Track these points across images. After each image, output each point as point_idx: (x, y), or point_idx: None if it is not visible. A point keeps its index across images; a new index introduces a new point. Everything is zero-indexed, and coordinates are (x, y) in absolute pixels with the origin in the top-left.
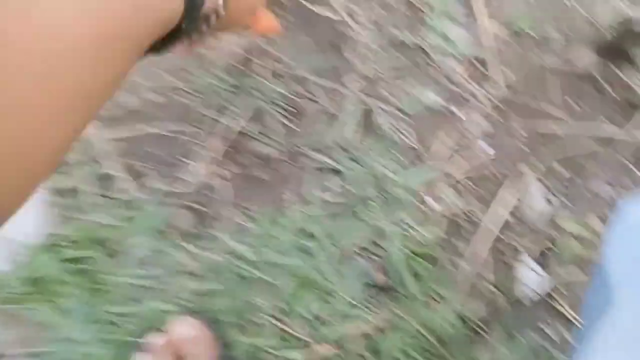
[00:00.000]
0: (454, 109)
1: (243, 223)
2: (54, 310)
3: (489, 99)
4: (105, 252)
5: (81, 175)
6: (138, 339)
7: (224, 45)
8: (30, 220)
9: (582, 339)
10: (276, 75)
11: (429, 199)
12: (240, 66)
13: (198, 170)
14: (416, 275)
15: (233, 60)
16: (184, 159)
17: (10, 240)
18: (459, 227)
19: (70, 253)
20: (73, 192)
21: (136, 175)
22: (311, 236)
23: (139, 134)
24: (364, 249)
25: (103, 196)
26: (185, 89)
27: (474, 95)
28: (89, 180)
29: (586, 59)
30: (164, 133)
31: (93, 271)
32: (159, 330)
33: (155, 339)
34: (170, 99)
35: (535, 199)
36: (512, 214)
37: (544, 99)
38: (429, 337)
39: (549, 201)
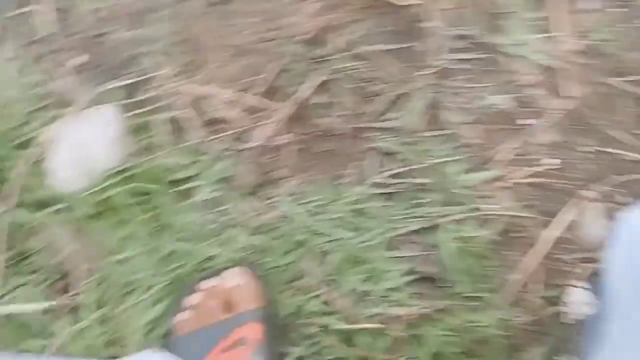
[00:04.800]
0: (521, 114)
1: (301, 190)
2: (118, 234)
3: (557, 111)
4: (170, 191)
5: (154, 114)
6: (192, 278)
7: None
8: (103, 146)
9: None
10: (350, 50)
11: (485, 200)
12: (316, 36)
13: (265, 131)
14: (464, 273)
15: (311, 29)
16: (251, 116)
17: (83, 163)
18: (512, 234)
19: (138, 186)
20: (145, 128)
21: (205, 123)
22: (363, 214)
23: None
24: (414, 237)
25: (176, 137)
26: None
27: (541, 105)
28: (161, 120)
29: None
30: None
31: (157, 207)
32: (212, 273)
33: (208, 282)
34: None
35: (593, 220)
36: (568, 230)
37: (613, 122)
38: (467, 337)
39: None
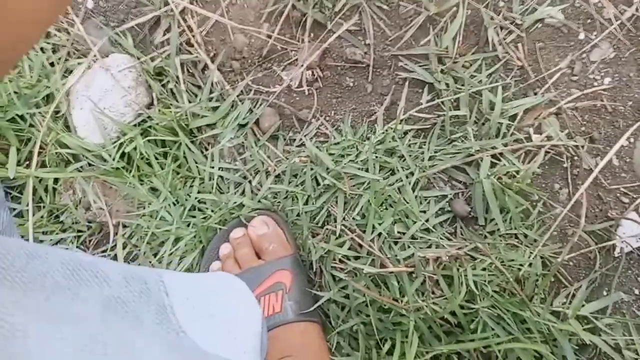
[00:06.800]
0: (574, 27)
1: (326, 131)
2: (144, 187)
3: (619, 20)
4: (191, 140)
5: (174, 61)
6: (219, 226)
7: None
8: (122, 98)
9: None
10: None
11: (529, 129)
12: None
13: (289, 71)
14: (502, 210)
15: None
16: (273, 55)
17: (103, 116)
18: (557, 164)
19: (159, 136)
20: (164, 75)
21: (226, 68)
22: (394, 153)
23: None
24: (449, 174)
25: (193, 84)
26: None
27: (600, 13)
28: (181, 67)
29: None
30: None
31: (179, 156)
32: (239, 222)
33: (235, 232)
34: None
35: None
36: (619, 157)
37: None
38: (506, 273)
39: None
